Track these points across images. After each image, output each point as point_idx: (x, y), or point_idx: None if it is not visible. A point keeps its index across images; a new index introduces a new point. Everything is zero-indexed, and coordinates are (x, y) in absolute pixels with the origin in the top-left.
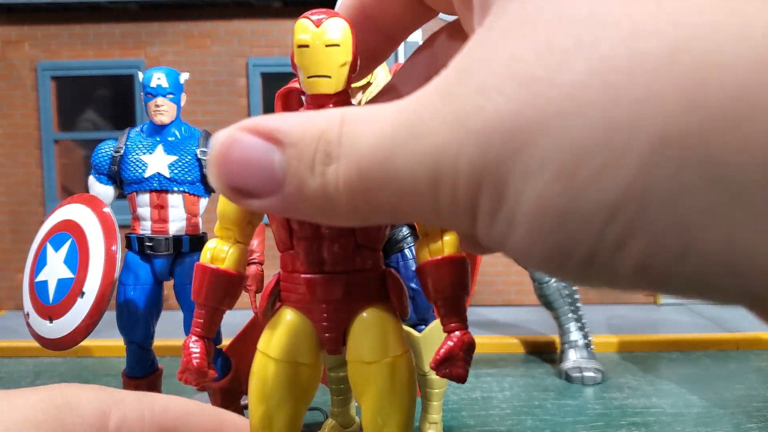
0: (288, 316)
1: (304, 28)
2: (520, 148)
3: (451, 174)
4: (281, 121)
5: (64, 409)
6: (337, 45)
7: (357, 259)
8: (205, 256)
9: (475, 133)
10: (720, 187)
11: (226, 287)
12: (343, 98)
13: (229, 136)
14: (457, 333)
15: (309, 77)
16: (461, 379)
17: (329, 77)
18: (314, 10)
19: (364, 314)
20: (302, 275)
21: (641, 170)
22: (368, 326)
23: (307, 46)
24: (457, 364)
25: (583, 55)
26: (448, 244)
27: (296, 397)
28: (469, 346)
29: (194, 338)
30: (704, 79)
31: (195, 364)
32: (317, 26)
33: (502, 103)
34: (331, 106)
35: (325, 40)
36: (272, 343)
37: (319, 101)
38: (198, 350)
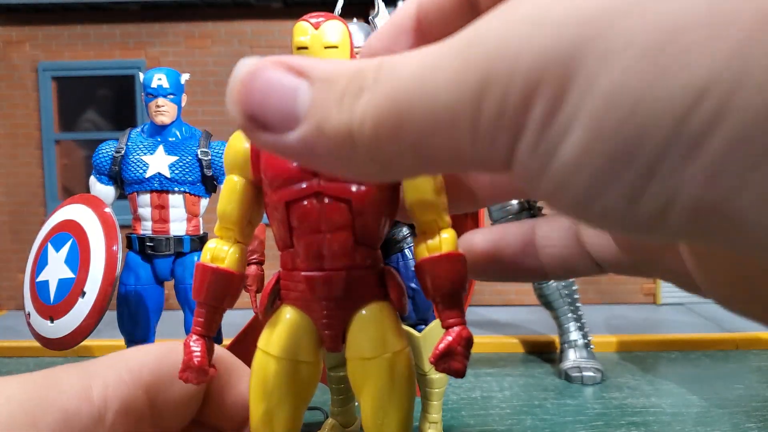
0: (288, 314)
1: (303, 30)
2: (600, 31)
3: (505, 75)
4: (315, 61)
5: (45, 386)
6: (336, 47)
7: (356, 256)
8: (206, 255)
9: (543, 24)
10: None
11: (226, 286)
12: None
13: (256, 63)
14: (455, 328)
15: None
16: (460, 373)
17: None
18: (313, 14)
19: (364, 311)
20: (302, 273)
21: (741, 45)
22: (368, 323)
23: (306, 48)
24: (455, 358)
25: None
26: (445, 242)
27: (297, 394)
28: (468, 341)
29: (195, 337)
30: None
31: (196, 362)
32: (316, 29)
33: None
34: None
35: (323, 42)
36: (272, 340)
37: None
38: (199, 349)
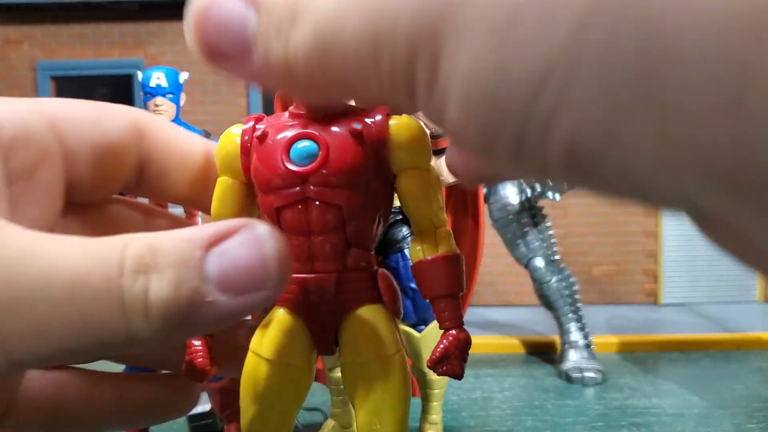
0: (280, 316)
1: None
2: (456, 7)
3: (390, 38)
4: None
5: None
6: None
7: (348, 258)
8: None
9: None
10: (654, 57)
11: None
12: None
13: None
14: (452, 331)
15: None
16: (457, 376)
17: None
18: None
19: (357, 314)
20: (293, 275)
21: (576, 31)
22: (361, 326)
23: None
24: (453, 362)
25: None
26: (441, 242)
27: (289, 398)
28: (465, 344)
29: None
30: None
31: (198, 362)
32: None
33: None
34: (318, 107)
35: None
36: (264, 343)
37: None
38: (201, 347)
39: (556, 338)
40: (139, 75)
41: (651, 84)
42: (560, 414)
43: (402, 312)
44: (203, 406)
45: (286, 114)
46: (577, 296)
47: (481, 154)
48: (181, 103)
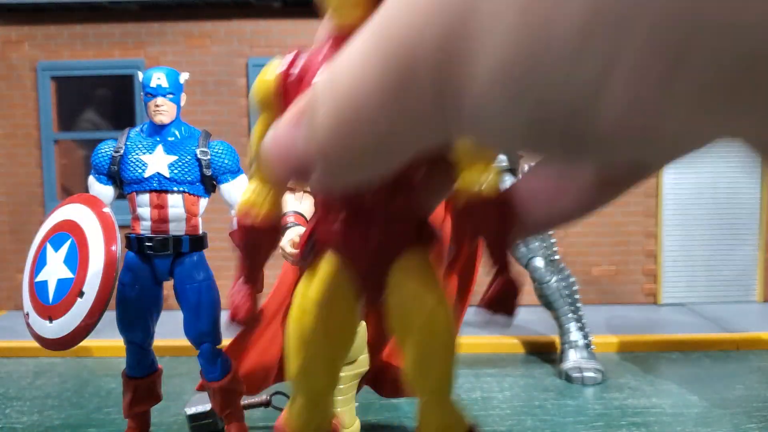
0: (327, 265)
1: None
2: (471, 7)
3: (412, 55)
4: (304, 98)
5: None
6: None
7: (394, 209)
8: (243, 205)
9: (430, 3)
10: None
11: (263, 237)
12: None
13: (274, 126)
14: (503, 274)
15: (335, 9)
16: (511, 315)
17: (355, 5)
18: None
19: (403, 261)
20: (341, 224)
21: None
22: (408, 273)
23: None
24: (508, 303)
25: None
26: (489, 181)
27: (333, 346)
28: (515, 286)
29: (240, 283)
30: None
31: (242, 313)
32: None
33: None
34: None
35: None
36: (309, 291)
37: (343, 31)
38: (245, 295)
39: (556, 338)
40: (140, 75)
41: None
42: (560, 414)
43: (445, 262)
44: (203, 405)
45: (325, 47)
46: (576, 296)
47: (532, 145)
48: (182, 103)
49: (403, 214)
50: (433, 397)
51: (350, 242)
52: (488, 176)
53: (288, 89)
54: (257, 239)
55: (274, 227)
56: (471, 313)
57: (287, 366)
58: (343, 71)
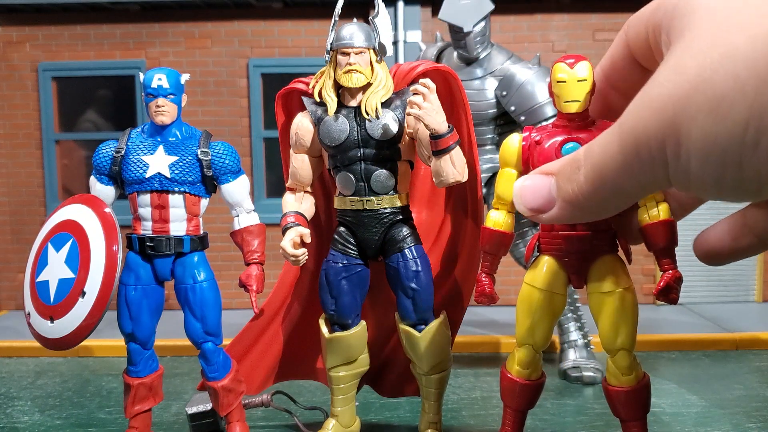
0: (547, 260)
1: (562, 69)
2: (686, 108)
3: (645, 142)
4: (552, 164)
5: None
6: (585, 80)
7: (600, 223)
8: (489, 220)
9: (655, 108)
10: None
11: (501, 241)
12: (585, 114)
13: (525, 178)
14: (670, 271)
15: (565, 102)
16: (675, 301)
17: (579, 101)
18: (568, 56)
19: (602, 259)
20: (560, 232)
21: (756, 97)
22: (605, 267)
23: (564, 81)
24: (673, 291)
25: (714, 61)
26: (662, 210)
27: (551, 315)
28: (679, 280)
29: (484, 274)
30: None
31: (487, 291)
32: (571, 68)
33: (672, 88)
34: (577, 119)
35: (577, 77)
36: (536, 278)
37: (570, 117)
38: (487, 282)
39: (555, 338)
40: (141, 76)
41: None
42: (559, 413)
43: (632, 259)
44: (204, 405)
45: (550, 126)
46: (576, 296)
47: (712, 189)
48: (183, 104)
49: (602, 230)
50: (622, 350)
51: (568, 248)
52: (661, 207)
53: (529, 153)
54: (501, 242)
55: (510, 235)
56: (470, 313)
57: (517, 328)
58: (598, 146)
